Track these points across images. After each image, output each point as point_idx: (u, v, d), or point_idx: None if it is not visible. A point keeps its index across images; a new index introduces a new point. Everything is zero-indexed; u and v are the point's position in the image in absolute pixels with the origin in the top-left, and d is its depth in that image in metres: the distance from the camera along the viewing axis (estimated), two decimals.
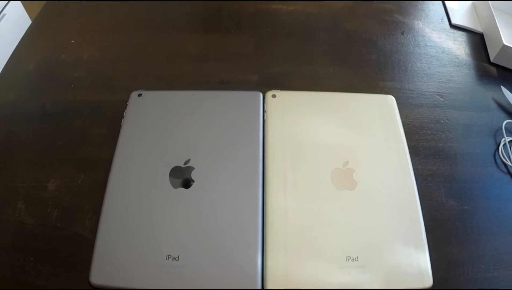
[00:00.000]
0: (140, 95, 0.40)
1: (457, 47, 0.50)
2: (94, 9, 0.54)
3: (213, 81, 0.45)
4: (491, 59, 0.49)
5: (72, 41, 0.50)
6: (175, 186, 0.34)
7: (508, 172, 0.39)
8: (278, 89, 0.41)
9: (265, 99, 0.40)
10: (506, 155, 0.40)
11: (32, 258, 0.33)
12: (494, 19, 0.48)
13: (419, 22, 0.53)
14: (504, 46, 0.46)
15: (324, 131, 0.38)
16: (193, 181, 0.34)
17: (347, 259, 0.31)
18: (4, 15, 0.79)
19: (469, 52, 0.50)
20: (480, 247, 0.35)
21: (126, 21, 0.52)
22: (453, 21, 0.53)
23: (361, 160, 0.36)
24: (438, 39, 0.51)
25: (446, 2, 0.56)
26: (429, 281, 0.31)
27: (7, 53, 0.49)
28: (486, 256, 0.34)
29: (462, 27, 0.53)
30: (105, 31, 0.51)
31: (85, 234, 0.34)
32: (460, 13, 0.55)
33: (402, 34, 0.51)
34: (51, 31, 0.51)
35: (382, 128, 0.39)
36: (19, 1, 0.83)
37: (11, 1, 0.80)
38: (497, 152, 0.41)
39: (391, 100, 0.41)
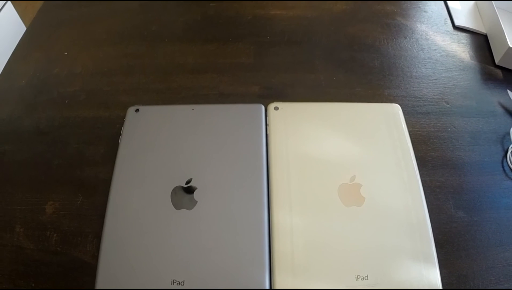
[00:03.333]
0: (137, 110, 0.39)
1: (462, 50, 0.49)
2: (87, 18, 0.52)
3: (212, 94, 0.44)
4: (496, 62, 0.48)
5: (66, 53, 0.48)
6: (177, 207, 0.33)
7: None
8: (280, 100, 0.40)
9: (267, 112, 0.39)
10: None
11: (33, 285, 0.32)
12: (498, 19, 0.47)
13: (422, 24, 0.52)
14: (510, 48, 0.45)
15: (329, 144, 0.37)
16: (196, 202, 0.33)
17: (357, 278, 0.30)
18: None
19: (473, 55, 0.49)
20: (490, 259, 0.34)
21: (119, 30, 0.51)
22: (457, 23, 0.52)
23: (368, 174, 0.35)
24: (442, 42, 0.50)
25: (448, 2, 0.55)
26: None
27: (1, 64, 0.47)
28: (496, 268, 0.34)
29: (466, 28, 0.52)
30: (99, 42, 0.49)
31: (87, 259, 0.33)
32: (463, 14, 0.53)
33: (405, 38, 0.50)
34: (43, 42, 0.50)
35: (388, 139, 0.38)
36: (12, 6, 0.81)
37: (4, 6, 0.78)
38: (505, 159, 0.40)
39: (397, 109, 0.40)
